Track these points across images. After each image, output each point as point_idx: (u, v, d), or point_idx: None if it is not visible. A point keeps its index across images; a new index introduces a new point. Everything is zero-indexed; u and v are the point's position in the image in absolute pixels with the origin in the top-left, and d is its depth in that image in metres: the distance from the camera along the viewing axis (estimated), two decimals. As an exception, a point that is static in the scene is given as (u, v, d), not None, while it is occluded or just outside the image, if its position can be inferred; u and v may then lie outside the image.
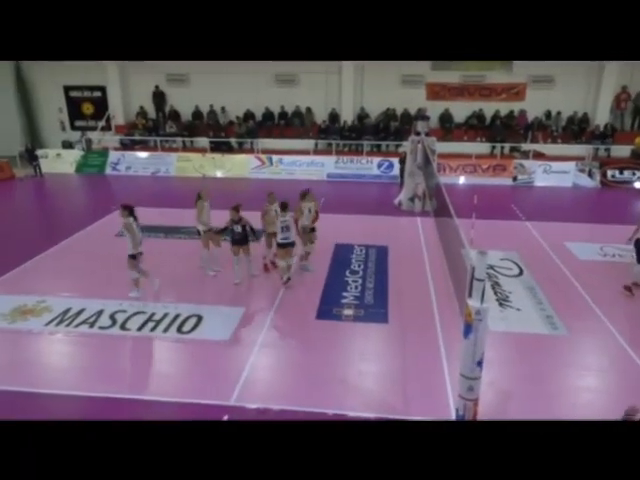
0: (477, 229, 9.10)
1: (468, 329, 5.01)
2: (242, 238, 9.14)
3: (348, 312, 8.37)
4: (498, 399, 6.17)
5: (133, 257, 8.49)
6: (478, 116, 19.91)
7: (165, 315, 8.15)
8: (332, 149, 19.28)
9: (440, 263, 10.01)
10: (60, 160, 19.62)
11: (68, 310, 8.29)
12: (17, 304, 8.47)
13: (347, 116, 20.27)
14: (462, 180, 17.90)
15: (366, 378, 6.73)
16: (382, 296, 8.94)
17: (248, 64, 18.15)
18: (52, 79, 21.28)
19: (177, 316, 8.12)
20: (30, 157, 18.57)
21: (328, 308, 8.49)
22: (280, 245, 9.04)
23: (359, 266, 10.23)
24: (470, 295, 4.97)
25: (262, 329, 7.83)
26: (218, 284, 9.36)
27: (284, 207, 8.94)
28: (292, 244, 9.09)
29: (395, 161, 17.87)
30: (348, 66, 19.70)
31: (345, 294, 8.99)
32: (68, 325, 7.89)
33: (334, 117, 20.26)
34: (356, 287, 9.27)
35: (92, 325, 7.88)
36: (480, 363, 5.11)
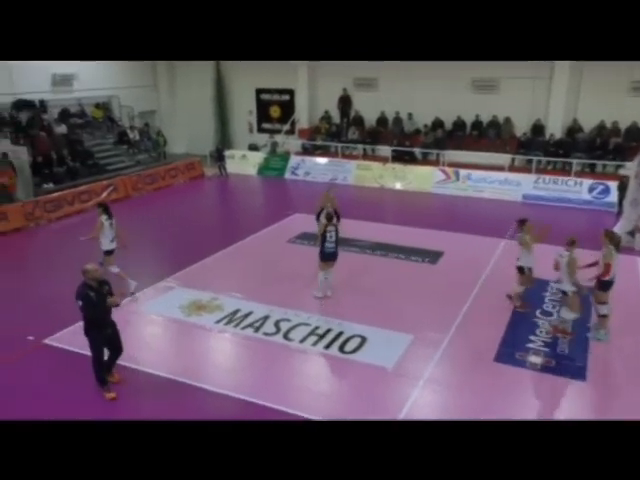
0: None
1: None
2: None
3: (535, 360, 7.75)
4: None
5: (108, 253, 9.56)
6: None
7: (328, 331, 8.48)
8: (532, 166, 18.12)
9: (665, 317, 8.70)
10: (245, 161, 21.88)
11: (237, 311, 9.14)
12: (194, 298, 9.62)
13: (554, 128, 18.86)
14: None
15: (551, 443, 6.11)
16: (581, 347, 8.09)
17: (443, 68, 18.09)
18: (246, 81, 23.93)
19: (340, 333, 8.38)
20: (218, 157, 21.07)
21: (510, 351, 7.97)
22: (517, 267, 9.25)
23: (553, 307, 9.39)
24: None
25: (430, 362, 7.67)
26: (386, 305, 9.42)
27: (522, 223, 9.13)
28: (521, 269, 9.13)
29: (613, 185, 16.10)
30: (563, 69, 18.30)
31: (533, 338, 8.34)
32: (236, 326, 8.70)
33: (538, 129, 19.06)
34: (548, 332, 8.52)
35: (257, 330, 8.57)
36: None
